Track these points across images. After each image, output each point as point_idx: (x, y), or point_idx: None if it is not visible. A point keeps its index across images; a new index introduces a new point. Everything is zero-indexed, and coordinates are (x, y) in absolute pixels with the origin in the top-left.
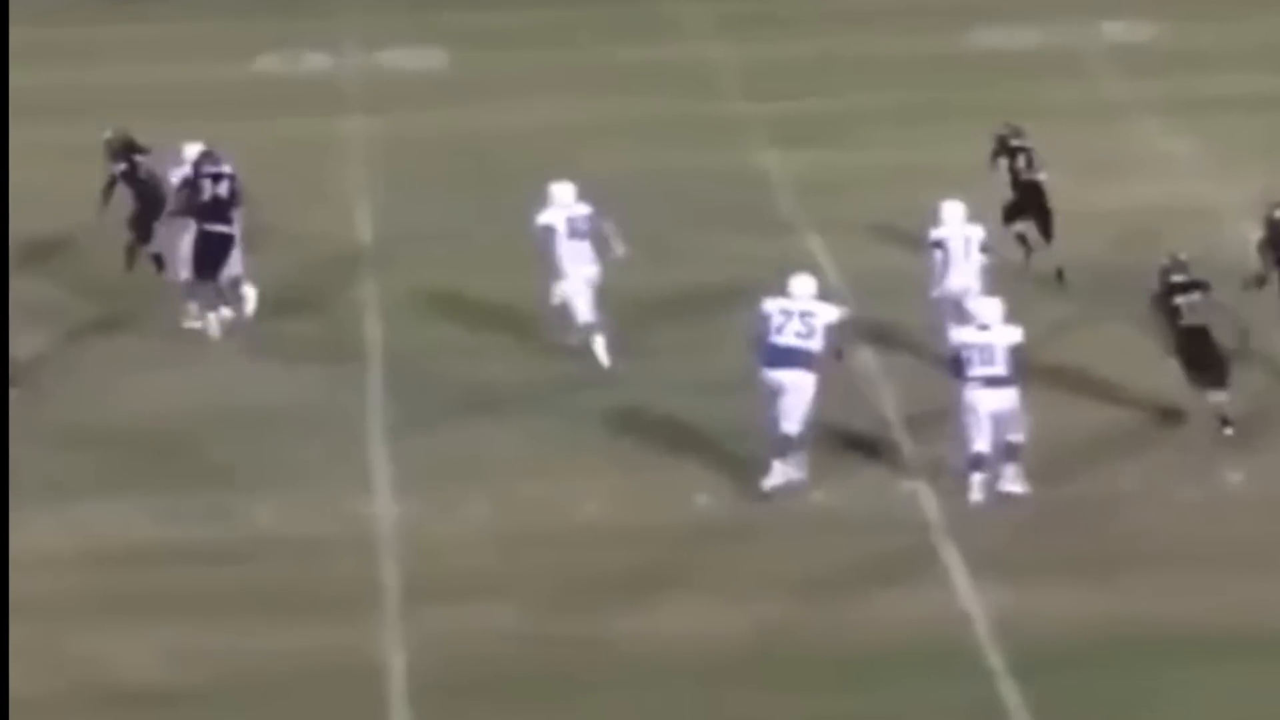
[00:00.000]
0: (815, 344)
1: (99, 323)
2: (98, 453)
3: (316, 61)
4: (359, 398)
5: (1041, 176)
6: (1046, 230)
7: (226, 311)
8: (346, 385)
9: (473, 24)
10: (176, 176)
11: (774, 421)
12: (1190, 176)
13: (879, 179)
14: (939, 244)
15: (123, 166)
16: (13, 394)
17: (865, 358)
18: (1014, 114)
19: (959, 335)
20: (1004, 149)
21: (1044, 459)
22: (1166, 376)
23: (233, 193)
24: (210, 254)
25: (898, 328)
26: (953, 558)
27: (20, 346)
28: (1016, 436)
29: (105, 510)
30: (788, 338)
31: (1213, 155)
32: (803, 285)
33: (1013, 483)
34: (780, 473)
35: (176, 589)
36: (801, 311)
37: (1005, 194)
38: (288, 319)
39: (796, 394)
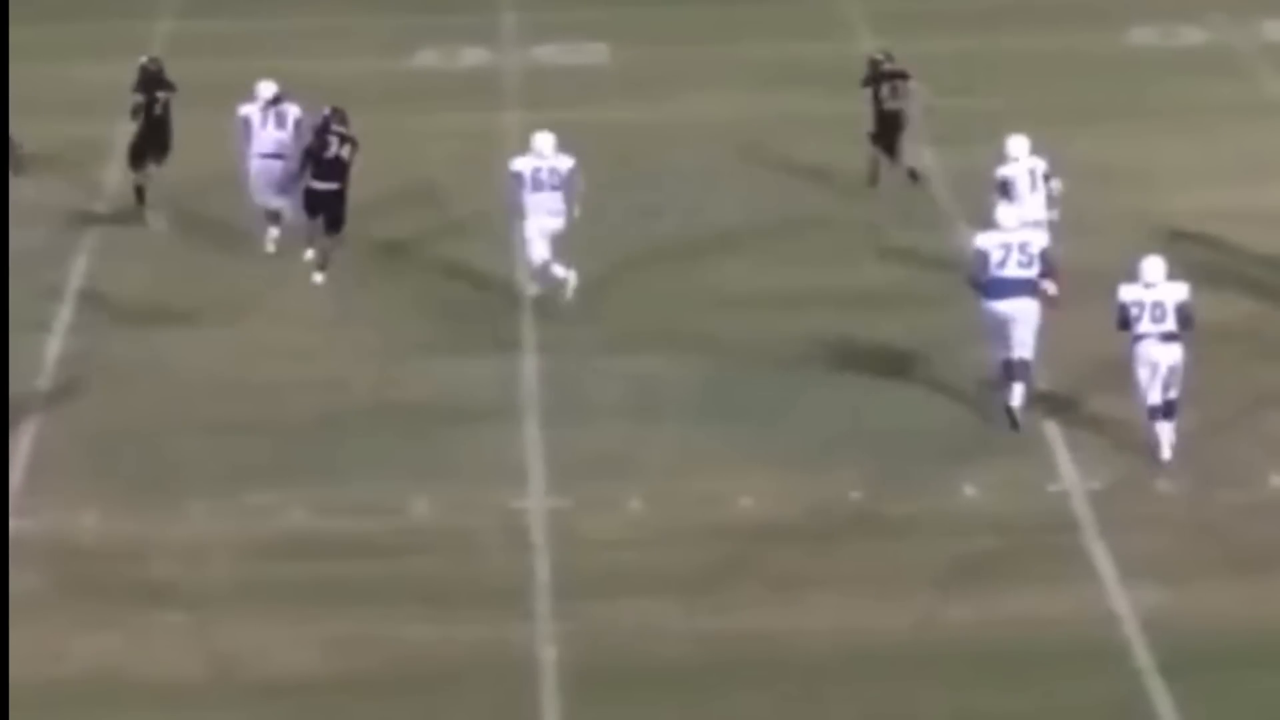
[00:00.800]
0: (1036, 272)
1: (257, 314)
2: (256, 444)
3: (475, 56)
4: (514, 391)
5: (901, 105)
6: (892, 149)
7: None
8: (502, 379)
9: (635, 19)
10: (245, 112)
11: (1005, 352)
12: None
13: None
14: (1005, 183)
15: (140, 98)
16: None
17: None
18: (1174, 112)
19: (1126, 293)
20: (875, 76)
21: (1199, 459)
22: None
23: (352, 156)
24: (314, 206)
25: (1053, 323)
26: (1102, 557)
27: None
28: (1175, 393)
29: (262, 501)
30: (1011, 270)
31: None
32: (1011, 216)
33: (1169, 448)
34: (1019, 393)
35: (330, 580)
36: (1020, 243)
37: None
38: (445, 311)
39: (1026, 323)
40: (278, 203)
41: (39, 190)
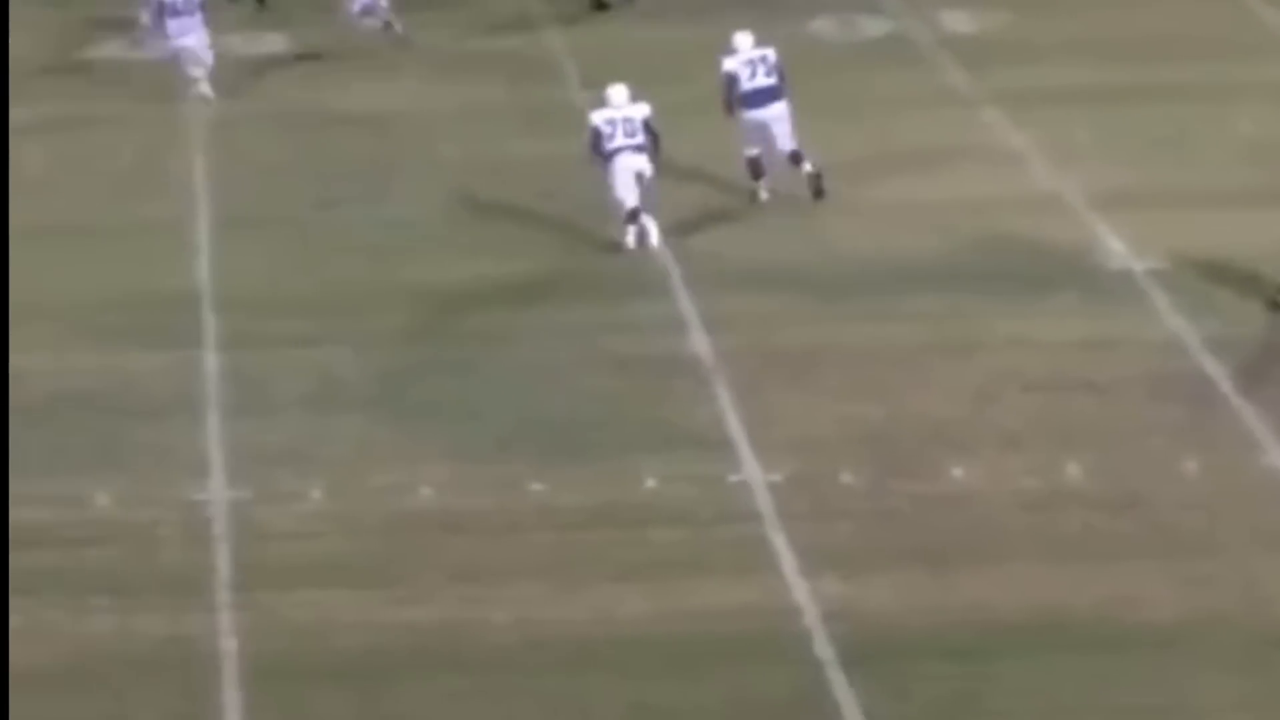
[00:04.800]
0: (641, 139)
1: None
2: None
3: None
4: (195, 384)
5: None
6: None
7: None
8: (182, 372)
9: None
10: None
11: (623, 201)
12: (1028, 168)
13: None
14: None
15: None
16: None
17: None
18: (852, 103)
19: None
20: None
21: (878, 452)
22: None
23: None
24: None
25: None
26: (784, 549)
27: None
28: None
29: None
30: (619, 140)
31: (1049, 147)
32: (619, 93)
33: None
34: (633, 234)
35: (21, 570)
36: (624, 117)
37: None
38: (124, 303)
39: (641, 177)
40: None
41: None
